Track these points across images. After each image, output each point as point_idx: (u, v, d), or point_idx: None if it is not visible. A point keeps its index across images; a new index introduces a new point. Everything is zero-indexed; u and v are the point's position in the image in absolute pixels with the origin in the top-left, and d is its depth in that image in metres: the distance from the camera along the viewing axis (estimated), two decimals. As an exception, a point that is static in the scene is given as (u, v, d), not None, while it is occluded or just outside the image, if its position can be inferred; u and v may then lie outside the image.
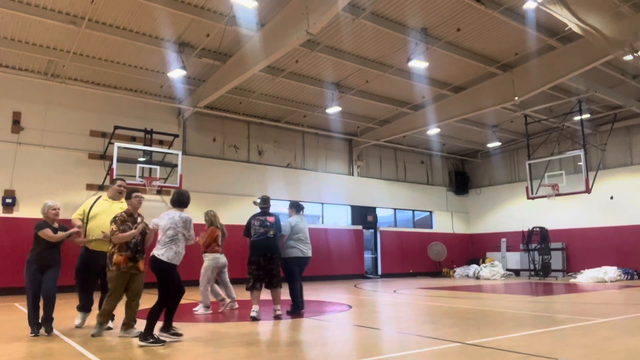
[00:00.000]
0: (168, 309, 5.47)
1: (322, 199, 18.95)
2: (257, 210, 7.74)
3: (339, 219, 19.78)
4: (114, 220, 5.57)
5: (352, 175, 20.39)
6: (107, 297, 5.64)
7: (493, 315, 7.38)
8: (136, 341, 5.15)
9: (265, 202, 7.73)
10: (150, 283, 5.50)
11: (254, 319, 6.94)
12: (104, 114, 14.41)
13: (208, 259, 8.18)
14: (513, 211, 21.97)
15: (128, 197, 5.87)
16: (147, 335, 5.04)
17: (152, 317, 5.11)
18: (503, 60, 13.58)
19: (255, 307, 7.08)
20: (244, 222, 7.77)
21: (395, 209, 21.82)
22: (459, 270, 20.95)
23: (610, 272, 16.35)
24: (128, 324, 5.58)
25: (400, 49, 12.57)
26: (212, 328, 6.36)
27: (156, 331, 5.19)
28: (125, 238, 5.49)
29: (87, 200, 6.48)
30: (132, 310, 5.59)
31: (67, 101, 13.92)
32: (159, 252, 5.32)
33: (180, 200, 5.66)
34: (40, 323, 5.67)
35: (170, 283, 5.33)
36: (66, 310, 7.82)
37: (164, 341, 5.13)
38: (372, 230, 20.78)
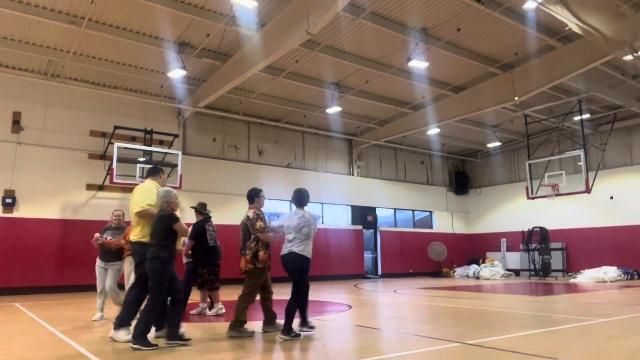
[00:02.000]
0: (303, 303, 5.67)
1: (322, 199, 18.95)
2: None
3: (339, 219, 19.78)
4: (260, 218, 5.74)
5: (352, 175, 20.38)
6: (246, 295, 5.70)
7: (493, 315, 7.38)
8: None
9: (204, 207, 7.87)
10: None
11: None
12: (104, 114, 14.41)
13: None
14: (513, 211, 21.97)
15: (257, 195, 5.96)
16: (289, 330, 5.32)
17: (290, 312, 5.39)
18: (503, 60, 13.58)
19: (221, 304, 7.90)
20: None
21: (395, 209, 21.82)
22: (459, 270, 20.95)
23: (610, 272, 16.35)
24: (274, 319, 5.86)
25: (400, 49, 12.57)
26: (207, 328, 6.36)
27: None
28: (271, 237, 5.72)
29: (147, 187, 5.59)
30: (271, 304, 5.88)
31: (67, 101, 13.91)
32: (298, 248, 5.53)
33: (304, 201, 5.87)
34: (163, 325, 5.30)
35: (307, 277, 5.57)
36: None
37: (299, 335, 5.41)
38: (372, 230, 20.77)
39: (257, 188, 6.10)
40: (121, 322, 5.22)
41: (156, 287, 5.00)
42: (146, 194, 5.41)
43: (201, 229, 7.48)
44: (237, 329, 5.57)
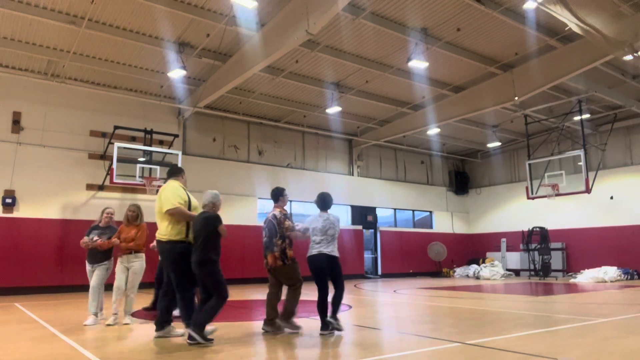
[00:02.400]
0: (339, 299, 5.92)
1: (322, 199, 18.92)
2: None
3: (339, 219, 19.75)
4: (287, 217, 6.06)
5: (352, 175, 20.39)
6: (295, 289, 5.99)
7: (493, 315, 7.38)
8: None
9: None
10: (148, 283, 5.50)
11: None
12: (104, 114, 14.41)
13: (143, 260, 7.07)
14: (513, 211, 21.97)
15: (281, 194, 6.24)
16: (328, 324, 5.70)
17: (323, 308, 5.81)
18: (503, 60, 13.58)
19: None
20: (244, 223, 7.77)
21: (395, 209, 21.82)
22: (459, 270, 20.95)
23: (610, 272, 16.35)
24: (275, 318, 5.96)
25: (400, 49, 12.57)
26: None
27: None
28: (299, 236, 6.08)
29: (174, 185, 5.62)
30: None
31: (67, 101, 13.91)
32: (328, 249, 5.89)
33: (327, 204, 6.29)
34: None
35: (342, 274, 5.95)
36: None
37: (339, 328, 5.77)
38: (372, 230, 20.77)
39: (281, 187, 6.36)
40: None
41: (218, 286, 5.16)
42: (176, 192, 5.47)
43: None
44: (288, 320, 5.94)
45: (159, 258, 5.91)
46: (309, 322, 6.76)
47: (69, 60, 12.42)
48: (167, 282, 5.52)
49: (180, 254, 5.30)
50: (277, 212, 6.13)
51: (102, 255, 6.83)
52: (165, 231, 5.36)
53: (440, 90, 15.56)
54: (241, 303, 9.67)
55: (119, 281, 6.66)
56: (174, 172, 5.89)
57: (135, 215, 6.92)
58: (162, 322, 5.53)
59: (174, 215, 5.32)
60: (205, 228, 5.20)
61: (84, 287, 6.91)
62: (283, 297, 6.10)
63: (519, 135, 20.66)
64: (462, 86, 15.41)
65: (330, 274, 5.93)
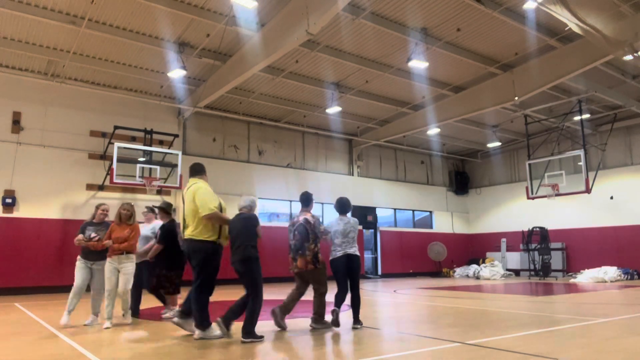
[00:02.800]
0: (357, 299, 6.31)
1: (322, 199, 18.93)
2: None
3: (339, 219, 19.75)
4: (320, 222, 6.34)
5: (352, 175, 20.39)
6: (322, 294, 6.21)
7: (493, 315, 7.38)
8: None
9: (170, 207, 7.59)
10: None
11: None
12: (104, 114, 14.41)
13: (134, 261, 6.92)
14: (513, 211, 21.97)
15: (312, 199, 6.48)
16: (359, 320, 6.19)
17: (357, 305, 6.25)
18: (503, 60, 13.58)
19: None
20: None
21: (395, 209, 21.82)
22: (459, 270, 20.95)
23: (610, 272, 16.35)
24: (322, 316, 6.24)
25: (400, 49, 12.57)
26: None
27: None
28: (328, 240, 6.44)
29: (207, 188, 5.71)
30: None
31: (67, 101, 13.91)
32: (353, 250, 6.31)
33: (346, 209, 6.63)
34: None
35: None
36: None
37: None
38: (372, 230, 20.78)
39: (309, 192, 6.56)
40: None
41: (256, 284, 5.42)
42: (211, 196, 5.56)
43: (173, 231, 7.05)
44: (322, 321, 6.22)
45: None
46: (305, 322, 6.77)
47: (69, 60, 12.42)
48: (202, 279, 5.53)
49: (212, 254, 5.46)
50: (309, 216, 6.24)
51: (100, 254, 6.58)
52: (198, 231, 5.44)
53: (440, 90, 15.56)
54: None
55: (110, 284, 6.38)
56: (199, 170, 5.92)
57: (129, 215, 6.72)
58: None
59: (212, 220, 5.44)
60: (246, 228, 5.48)
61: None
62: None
63: (519, 135, 20.66)
64: (462, 86, 15.41)
65: (352, 273, 6.27)
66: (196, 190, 5.56)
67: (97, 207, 7.01)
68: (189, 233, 5.49)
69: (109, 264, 6.49)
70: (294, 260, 6.15)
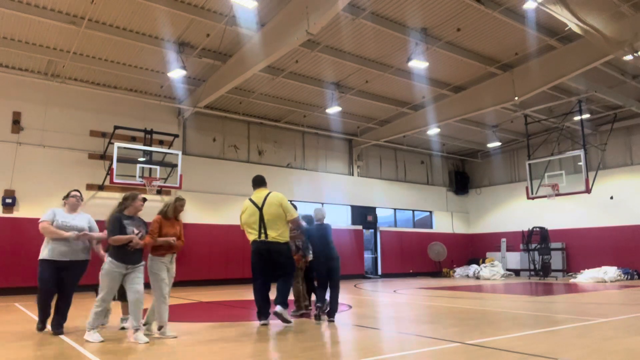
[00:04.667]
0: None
1: (322, 199, 18.94)
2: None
3: (338, 219, 19.77)
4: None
5: (352, 175, 20.39)
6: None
7: (493, 315, 7.38)
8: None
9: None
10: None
11: None
12: (104, 114, 14.41)
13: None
14: (513, 211, 21.97)
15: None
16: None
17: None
18: (503, 60, 13.58)
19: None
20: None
21: (395, 209, 21.82)
22: (459, 270, 20.95)
23: (610, 272, 16.35)
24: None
25: (400, 49, 12.57)
26: (208, 328, 6.36)
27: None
28: None
29: (283, 196, 6.78)
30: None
31: (67, 101, 13.92)
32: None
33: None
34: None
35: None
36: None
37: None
38: (372, 230, 20.77)
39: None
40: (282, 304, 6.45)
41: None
42: (290, 204, 6.68)
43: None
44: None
45: (252, 258, 6.62)
46: (312, 322, 6.76)
47: (69, 60, 12.42)
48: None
49: (291, 251, 6.87)
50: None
51: (142, 252, 5.66)
52: (281, 234, 6.53)
53: (440, 90, 15.56)
54: (241, 303, 9.67)
55: (168, 286, 5.69)
56: (264, 181, 6.90)
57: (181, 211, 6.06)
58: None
59: (295, 223, 6.78)
60: (329, 234, 7.11)
61: (84, 287, 6.85)
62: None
63: (519, 135, 20.66)
64: (462, 86, 15.41)
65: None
66: (282, 198, 6.62)
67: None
68: (273, 236, 6.45)
69: (161, 263, 5.64)
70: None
